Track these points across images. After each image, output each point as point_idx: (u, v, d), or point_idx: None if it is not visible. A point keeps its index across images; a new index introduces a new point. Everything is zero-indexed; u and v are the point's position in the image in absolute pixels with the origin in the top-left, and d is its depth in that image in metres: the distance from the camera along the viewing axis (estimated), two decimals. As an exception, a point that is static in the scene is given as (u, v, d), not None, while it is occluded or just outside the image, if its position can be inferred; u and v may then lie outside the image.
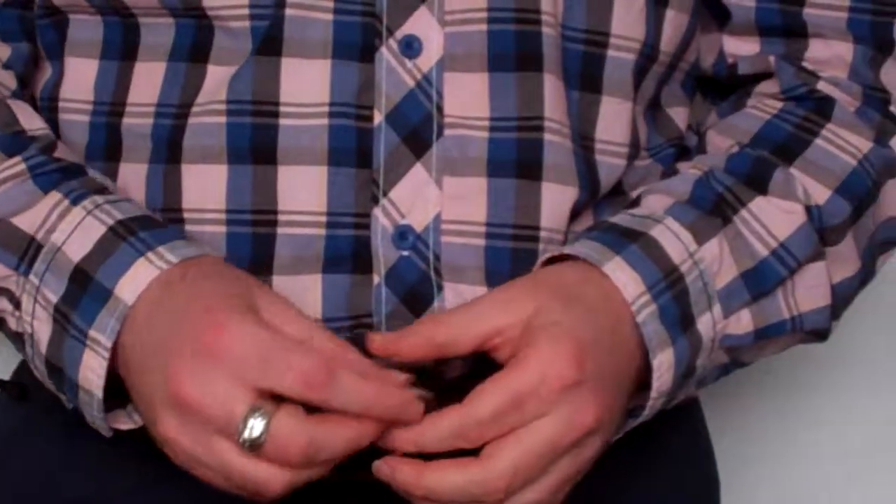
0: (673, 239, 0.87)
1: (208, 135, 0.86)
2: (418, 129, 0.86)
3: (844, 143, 0.93)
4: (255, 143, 0.86)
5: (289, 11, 0.86)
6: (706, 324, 0.87)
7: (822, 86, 0.95)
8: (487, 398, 0.81)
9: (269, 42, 0.86)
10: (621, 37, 0.90)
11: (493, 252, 0.87)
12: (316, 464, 0.79)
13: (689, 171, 0.92)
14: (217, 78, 0.87)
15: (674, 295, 0.86)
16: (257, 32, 0.86)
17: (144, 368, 0.81)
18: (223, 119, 0.86)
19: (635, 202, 0.91)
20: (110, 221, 0.84)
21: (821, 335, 0.94)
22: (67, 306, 0.83)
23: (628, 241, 0.86)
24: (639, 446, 0.93)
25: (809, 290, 0.91)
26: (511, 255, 0.87)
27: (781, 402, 1.35)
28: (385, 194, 0.86)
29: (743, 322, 0.89)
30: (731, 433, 1.31)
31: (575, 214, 0.90)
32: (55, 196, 0.85)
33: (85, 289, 0.82)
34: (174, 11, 0.88)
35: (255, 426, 0.77)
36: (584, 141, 0.90)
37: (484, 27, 0.87)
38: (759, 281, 0.89)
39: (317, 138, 0.86)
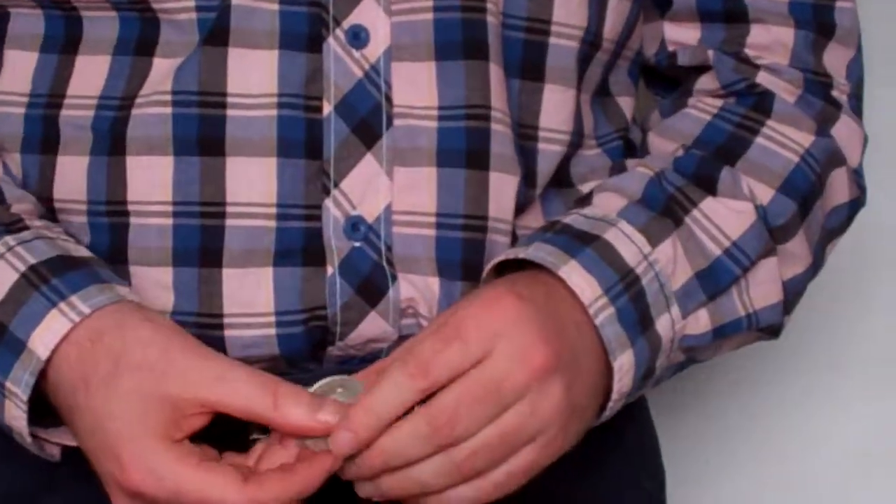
0: (627, 242, 0.87)
1: (154, 126, 0.85)
2: (368, 119, 0.86)
3: (785, 140, 0.93)
4: (203, 135, 0.85)
5: (235, 2, 0.85)
6: (665, 324, 0.87)
7: (761, 78, 0.95)
8: (455, 386, 0.79)
9: (216, 33, 0.85)
10: (563, 24, 0.90)
11: (444, 242, 0.87)
12: None
13: (640, 170, 0.92)
14: (163, 70, 0.86)
15: (631, 297, 0.85)
16: (204, 24, 0.85)
17: (79, 431, 0.82)
18: (169, 110, 0.85)
19: (587, 199, 0.91)
20: (22, 267, 0.83)
21: (774, 331, 0.94)
22: None
23: (583, 244, 0.86)
24: (592, 442, 0.92)
25: (762, 287, 0.91)
26: (461, 244, 0.87)
27: (775, 408, 1.36)
28: (336, 185, 0.86)
29: (701, 322, 0.89)
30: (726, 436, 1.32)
31: (522, 207, 0.90)
32: None
33: (0, 338, 0.82)
34: (117, 5, 0.86)
35: None
36: (526, 129, 0.90)
37: (430, 16, 0.86)
38: (714, 280, 0.89)
39: (265, 129, 0.85)
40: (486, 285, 0.85)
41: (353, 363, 0.88)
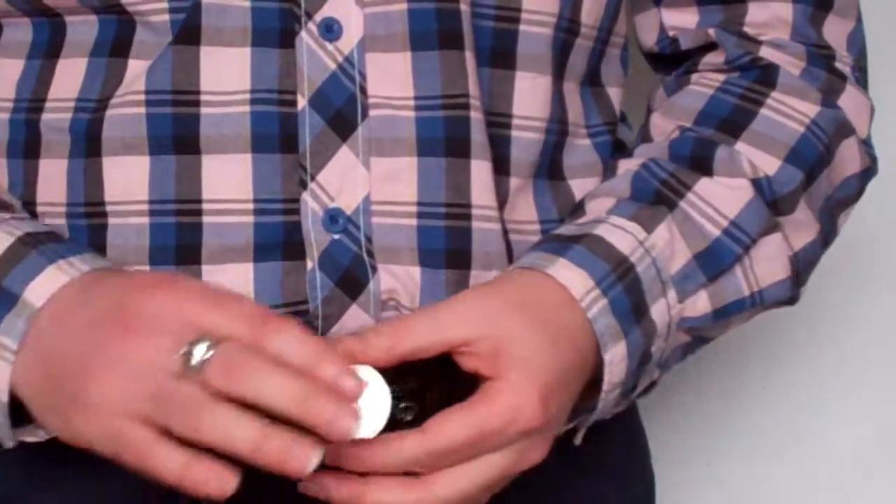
0: (620, 232, 0.87)
1: (128, 126, 0.85)
2: (342, 111, 0.86)
3: (790, 111, 0.93)
4: (177, 133, 0.85)
5: (206, 0, 0.85)
6: (660, 310, 0.87)
7: (764, 52, 0.95)
8: (453, 430, 0.80)
9: (187, 31, 0.85)
10: (534, 11, 0.89)
11: (426, 231, 0.86)
12: (251, 401, 0.74)
13: (625, 168, 0.92)
14: (136, 72, 0.86)
15: (625, 286, 0.85)
16: (177, 25, 0.85)
17: (63, 357, 0.78)
18: (142, 110, 0.85)
19: (579, 208, 0.91)
20: (18, 233, 0.82)
21: (786, 303, 0.94)
22: None
23: (572, 243, 0.86)
24: (583, 445, 0.92)
25: (768, 264, 0.91)
26: (445, 233, 0.87)
27: (776, 409, 1.35)
28: (313, 178, 0.85)
29: (700, 304, 0.89)
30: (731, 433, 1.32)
31: (504, 198, 0.90)
32: None
33: None
34: (95, 9, 0.86)
35: (200, 349, 0.75)
36: (498, 117, 0.89)
37: (404, 6, 0.86)
38: (714, 261, 0.89)
39: (239, 126, 0.85)
40: (481, 292, 0.84)
41: None
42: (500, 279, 0.86)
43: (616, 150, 0.97)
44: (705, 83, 0.95)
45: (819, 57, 0.96)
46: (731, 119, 0.93)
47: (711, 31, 0.96)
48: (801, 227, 0.92)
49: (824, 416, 1.35)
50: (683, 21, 0.97)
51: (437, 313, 0.82)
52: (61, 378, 0.78)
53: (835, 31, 0.97)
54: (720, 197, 0.89)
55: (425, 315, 0.83)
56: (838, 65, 0.96)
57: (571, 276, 0.84)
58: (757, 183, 0.90)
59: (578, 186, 0.93)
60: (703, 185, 0.90)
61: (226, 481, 0.74)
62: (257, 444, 0.73)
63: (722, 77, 0.95)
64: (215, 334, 0.75)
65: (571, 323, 0.84)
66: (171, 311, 0.76)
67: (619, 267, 0.86)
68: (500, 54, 0.89)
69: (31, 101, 0.88)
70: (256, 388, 0.73)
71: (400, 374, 0.82)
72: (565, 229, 0.89)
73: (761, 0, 0.95)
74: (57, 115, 0.87)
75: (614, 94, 0.98)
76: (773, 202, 0.91)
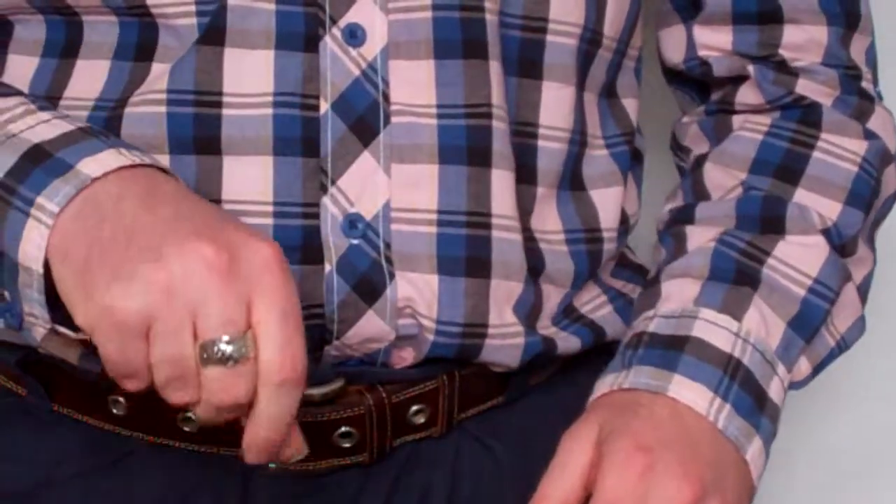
0: (715, 329, 0.88)
1: (148, 125, 0.85)
2: (365, 116, 0.86)
3: (841, 151, 0.95)
4: (198, 134, 0.85)
5: (231, 2, 0.85)
6: (776, 388, 0.89)
7: (801, 87, 0.96)
8: None
9: (212, 32, 0.85)
10: (560, 22, 0.90)
11: (446, 239, 0.86)
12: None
13: (700, 244, 0.93)
14: (158, 73, 0.86)
15: (740, 384, 0.87)
16: (202, 28, 0.85)
17: (122, 224, 0.75)
18: (163, 109, 0.85)
19: (654, 287, 0.92)
20: (79, 124, 0.81)
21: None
22: (14, 180, 0.78)
23: (677, 351, 0.87)
24: None
25: (844, 311, 0.93)
26: (465, 241, 0.87)
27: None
28: (333, 183, 0.85)
29: (802, 367, 0.92)
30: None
31: (528, 207, 0.90)
32: (22, 98, 0.83)
33: (40, 163, 0.78)
34: (117, 10, 0.86)
35: (230, 346, 0.74)
36: (525, 126, 0.90)
37: (428, 14, 0.86)
38: (807, 322, 0.91)
39: (261, 128, 0.85)
40: (611, 426, 0.84)
41: (350, 364, 0.87)
42: (621, 411, 0.85)
43: (633, 160, 0.98)
44: (752, 128, 0.97)
45: (849, 80, 0.97)
46: (786, 165, 0.94)
47: (750, 68, 0.97)
48: (861, 262, 0.95)
49: (825, 418, 1.35)
50: (717, 40, 0.98)
51: (556, 463, 0.83)
52: (111, 241, 0.75)
53: (858, 48, 0.98)
54: (799, 257, 0.91)
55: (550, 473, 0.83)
56: (864, 84, 0.98)
57: (693, 395, 0.85)
58: (826, 233, 0.92)
59: (598, 196, 0.94)
60: (781, 248, 0.92)
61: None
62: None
63: (767, 120, 0.96)
64: (254, 349, 0.74)
65: (705, 435, 0.85)
66: (255, 277, 0.74)
67: (728, 367, 0.87)
68: (528, 64, 0.89)
69: (46, 99, 0.87)
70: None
71: None
72: (657, 326, 0.89)
73: (798, 23, 0.96)
74: (72, 112, 0.86)
75: (630, 105, 0.98)
76: (840, 247, 0.93)
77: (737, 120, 0.98)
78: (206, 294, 0.73)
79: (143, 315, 0.73)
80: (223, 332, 0.73)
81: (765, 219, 0.92)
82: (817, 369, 0.93)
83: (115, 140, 0.80)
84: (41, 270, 0.76)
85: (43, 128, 0.80)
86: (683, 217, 0.96)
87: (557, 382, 0.95)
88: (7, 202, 0.77)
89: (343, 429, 0.87)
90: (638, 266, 1.01)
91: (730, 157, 0.96)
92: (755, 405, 0.87)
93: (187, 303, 0.73)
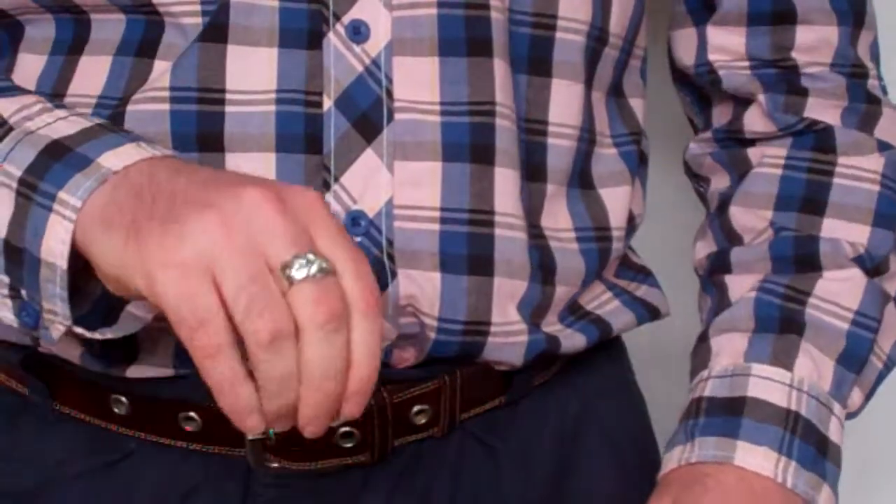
0: (769, 385, 0.89)
1: (152, 122, 0.84)
2: (368, 113, 0.85)
3: (860, 172, 0.95)
4: (201, 131, 0.84)
5: None
6: (835, 428, 0.90)
7: (811, 108, 0.97)
8: None
9: (214, 29, 0.84)
10: (569, 18, 0.90)
11: (449, 236, 0.86)
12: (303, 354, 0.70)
13: (742, 295, 0.94)
14: (161, 70, 0.85)
15: (801, 436, 0.88)
16: (205, 26, 0.85)
17: (164, 183, 0.73)
18: (166, 106, 0.84)
19: (704, 345, 0.93)
20: (97, 120, 0.81)
21: None
22: (34, 176, 0.77)
23: (736, 416, 0.88)
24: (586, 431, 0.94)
25: (888, 332, 0.94)
26: (468, 239, 0.86)
27: None
28: (336, 180, 0.85)
29: (856, 398, 0.92)
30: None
31: (538, 205, 0.90)
32: (37, 97, 0.82)
33: (60, 158, 0.77)
34: (125, 8, 0.86)
35: (305, 267, 0.70)
36: (535, 124, 0.90)
37: (433, 11, 0.86)
38: (855, 355, 0.92)
39: (264, 125, 0.84)
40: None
41: None
42: (690, 485, 0.87)
43: (641, 161, 0.98)
44: (770, 163, 0.97)
45: (856, 83, 0.98)
46: (808, 197, 0.95)
47: (761, 98, 0.97)
48: (893, 276, 0.95)
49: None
50: (730, 42, 0.98)
51: None
52: (153, 204, 0.73)
53: (864, 44, 0.99)
54: (838, 292, 0.92)
55: None
56: (870, 83, 0.98)
57: (758, 460, 0.87)
58: (860, 261, 0.93)
59: (608, 195, 0.94)
60: (820, 286, 0.93)
61: (250, 420, 0.70)
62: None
63: (782, 152, 0.97)
64: (328, 265, 0.70)
65: (776, 496, 0.87)
66: (307, 213, 0.71)
67: (788, 422, 0.88)
68: (537, 61, 0.89)
69: (50, 97, 0.87)
70: (318, 348, 0.70)
71: None
72: (712, 389, 0.91)
73: (811, 23, 0.97)
74: (77, 109, 0.86)
75: (636, 105, 0.98)
76: (874, 269, 0.93)
77: (753, 154, 0.99)
78: (267, 222, 0.70)
79: (205, 256, 0.69)
80: (298, 251, 0.70)
81: (798, 259, 0.94)
82: (869, 395, 0.94)
83: (135, 135, 0.79)
84: (64, 266, 0.75)
85: (61, 124, 0.80)
86: (721, 265, 0.97)
87: (559, 383, 0.95)
88: (28, 198, 0.77)
89: (344, 429, 0.86)
90: (640, 266, 1.01)
91: (753, 197, 0.97)
92: (818, 454, 0.88)
93: (249, 236, 0.69)
